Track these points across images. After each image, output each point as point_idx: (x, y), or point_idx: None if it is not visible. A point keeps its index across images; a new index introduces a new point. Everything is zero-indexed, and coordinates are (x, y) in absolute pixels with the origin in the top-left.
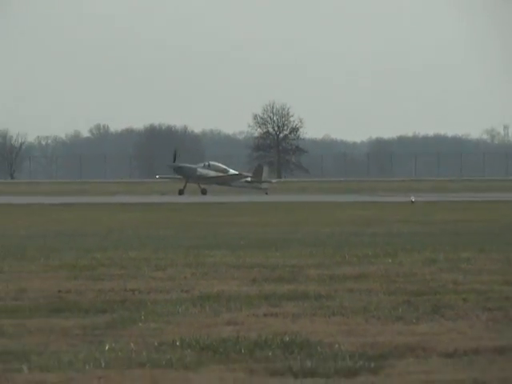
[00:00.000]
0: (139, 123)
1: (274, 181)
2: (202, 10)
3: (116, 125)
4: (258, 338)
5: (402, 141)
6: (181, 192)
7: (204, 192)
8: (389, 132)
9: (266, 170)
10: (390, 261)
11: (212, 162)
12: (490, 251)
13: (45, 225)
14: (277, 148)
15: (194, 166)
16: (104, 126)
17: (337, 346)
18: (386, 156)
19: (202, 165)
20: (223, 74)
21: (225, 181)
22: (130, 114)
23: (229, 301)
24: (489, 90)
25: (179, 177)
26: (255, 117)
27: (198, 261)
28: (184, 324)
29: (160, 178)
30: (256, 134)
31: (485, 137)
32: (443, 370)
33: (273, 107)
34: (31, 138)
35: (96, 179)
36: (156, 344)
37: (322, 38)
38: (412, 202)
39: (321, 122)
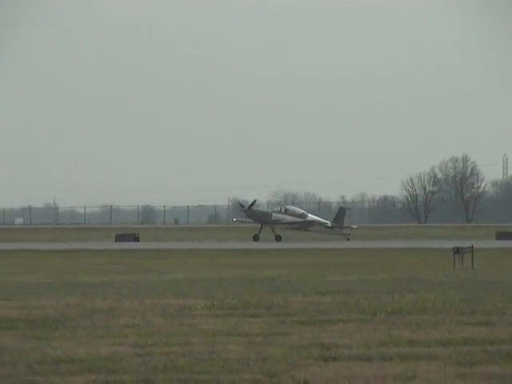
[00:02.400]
0: None
1: (354, 226)
2: None
3: None
4: None
5: None
6: (255, 238)
7: (278, 238)
8: None
9: (348, 214)
10: None
11: (289, 207)
12: None
13: None
14: None
15: (268, 210)
16: None
17: None
18: None
19: (279, 209)
20: None
21: (302, 226)
22: None
23: None
24: None
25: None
26: None
27: None
28: None
29: (237, 221)
30: None
31: None
32: None
33: None
34: None
35: None
36: None
37: None
38: None
39: None
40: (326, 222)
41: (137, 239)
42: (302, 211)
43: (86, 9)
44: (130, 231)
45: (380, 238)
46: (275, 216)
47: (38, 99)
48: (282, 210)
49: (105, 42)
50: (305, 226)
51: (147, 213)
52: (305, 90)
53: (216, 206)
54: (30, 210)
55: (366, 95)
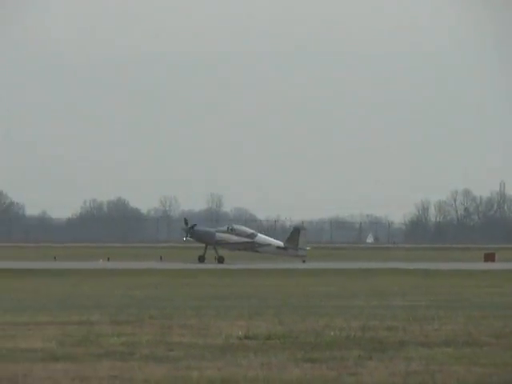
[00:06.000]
0: None
1: (308, 248)
2: None
3: None
4: None
5: None
6: (201, 259)
7: (221, 260)
8: None
9: (303, 234)
10: None
11: (236, 226)
12: None
13: None
14: None
15: (212, 229)
16: None
17: None
18: None
19: (226, 228)
20: None
21: (249, 247)
22: None
23: None
24: None
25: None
26: None
27: None
28: None
29: (187, 240)
30: None
31: None
32: None
33: None
34: None
35: None
36: None
37: None
38: None
39: None
40: (279, 242)
41: None
42: (252, 231)
43: None
44: None
45: None
46: (219, 236)
47: None
48: (229, 229)
49: None
50: (252, 246)
51: None
52: None
53: None
54: None
55: None
